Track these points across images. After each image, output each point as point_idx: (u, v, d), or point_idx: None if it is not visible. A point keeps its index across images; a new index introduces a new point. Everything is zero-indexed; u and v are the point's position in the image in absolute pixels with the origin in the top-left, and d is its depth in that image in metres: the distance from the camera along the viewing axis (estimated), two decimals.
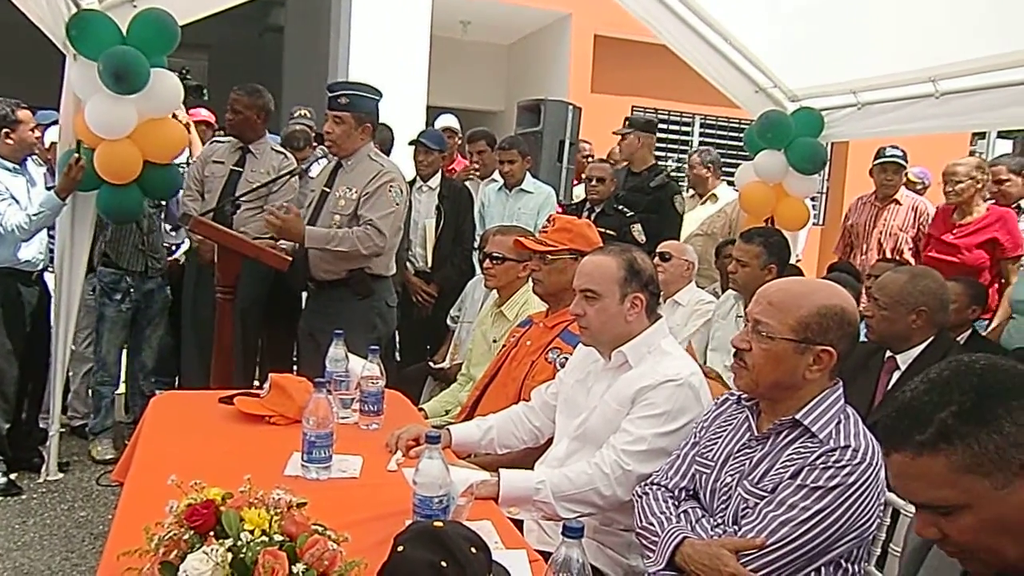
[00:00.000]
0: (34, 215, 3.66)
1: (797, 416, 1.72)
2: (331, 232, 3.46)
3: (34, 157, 4.14)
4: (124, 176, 3.68)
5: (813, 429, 1.69)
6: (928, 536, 1.07)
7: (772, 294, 1.78)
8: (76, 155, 3.58)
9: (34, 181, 3.88)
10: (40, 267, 3.94)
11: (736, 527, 1.72)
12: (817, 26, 4.07)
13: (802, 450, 1.69)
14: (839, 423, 1.69)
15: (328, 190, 3.59)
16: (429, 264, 4.68)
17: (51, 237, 3.98)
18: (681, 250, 4.09)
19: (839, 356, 1.71)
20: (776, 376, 1.73)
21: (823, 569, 1.66)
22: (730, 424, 1.90)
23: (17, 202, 3.73)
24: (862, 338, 2.34)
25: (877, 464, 1.64)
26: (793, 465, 1.68)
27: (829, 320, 1.71)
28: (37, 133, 3.81)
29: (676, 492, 1.92)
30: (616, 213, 4.70)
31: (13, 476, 3.83)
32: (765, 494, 1.69)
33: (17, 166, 3.81)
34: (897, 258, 4.59)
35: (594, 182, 4.80)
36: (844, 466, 1.62)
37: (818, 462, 1.64)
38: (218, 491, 1.29)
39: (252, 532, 1.21)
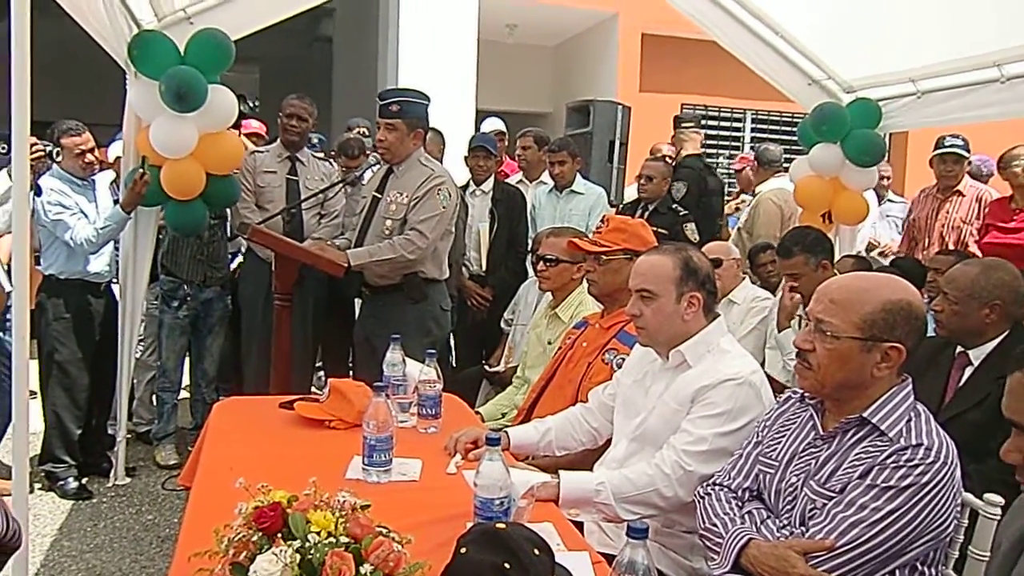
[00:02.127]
0: (101, 228, 3.77)
1: (865, 414, 1.67)
2: (372, 247, 3.50)
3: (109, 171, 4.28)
4: (190, 192, 3.79)
5: (882, 427, 1.64)
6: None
7: (834, 291, 1.73)
8: (140, 170, 3.68)
9: (93, 197, 3.98)
10: (107, 279, 4.05)
11: (803, 528, 1.68)
12: (872, 14, 3.96)
13: (871, 449, 1.64)
14: (909, 420, 1.64)
15: (379, 196, 3.62)
16: (483, 268, 4.69)
17: (117, 249, 4.10)
18: (727, 250, 4.05)
19: (908, 352, 1.66)
20: (843, 376, 1.68)
21: (897, 572, 1.61)
22: (793, 423, 1.86)
23: (86, 216, 3.85)
24: (930, 333, 2.28)
25: (952, 463, 1.59)
26: (862, 465, 1.63)
27: (896, 315, 1.66)
28: (90, 157, 3.89)
29: (739, 493, 1.88)
30: (669, 212, 4.66)
31: (84, 481, 3.96)
32: (833, 495, 1.65)
33: (84, 181, 3.93)
34: (960, 251, 4.44)
35: (643, 180, 4.77)
36: (917, 465, 1.57)
37: (889, 461, 1.59)
38: (284, 494, 1.31)
39: (319, 534, 1.22)
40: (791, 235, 3.73)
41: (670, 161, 5.26)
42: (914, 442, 1.59)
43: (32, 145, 3.45)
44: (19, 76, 2.35)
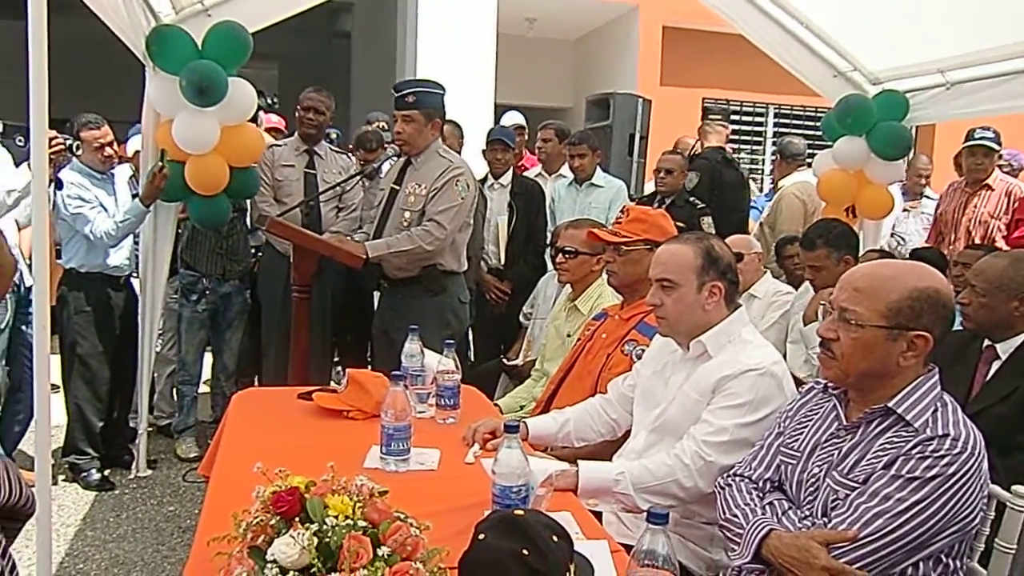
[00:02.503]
0: (120, 222, 3.79)
1: (890, 404, 1.64)
2: (390, 239, 3.49)
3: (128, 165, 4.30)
4: (215, 187, 3.80)
5: (908, 417, 1.61)
6: None
7: (858, 279, 1.69)
8: (160, 164, 3.69)
9: (112, 190, 4.00)
10: (127, 272, 4.08)
11: (826, 519, 1.65)
12: (899, 4, 3.90)
13: (896, 439, 1.61)
14: (936, 411, 1.61)
15: (397, 188, 3.62)
16: (502, 261, 4.68)
17: (137, 244, 4.13)
18: (748, 244, 4.00)
19: (935, 341, 1.63)
20: (867, 365, 1.65)
21: (921, 564, 1.58)
22: (816, 413, 1.83)
23: (105, 210, 3.87)
24: (957, 325, 2.23)
25: (979, 454, 1.56)
26: (887, 455, 1.60)
27: (923, 303, 1.62)
28: (108, 151, 3.91)
29: (760, 483, 1.86)
30: (687, 205, 4.62)
31: (107, 472, 3.99)
32: (856, 485, 1.62)
33: (103, 175, 3.95)
34: (987, 245, 4.37)
35: (662, 174, 4.75)
36: (943, 455, 1.53)
37: (914, 451, 1.56)
38: (302, 479, 1.30)
39: (336, 518, 1.22)
40: (816, 227, 3.69)
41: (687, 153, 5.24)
42: (940, 432, 1.56)
43: (52, 139, 3.48)
44: (37, 72, 2.36)
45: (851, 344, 1.66)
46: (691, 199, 4.68)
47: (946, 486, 1.52)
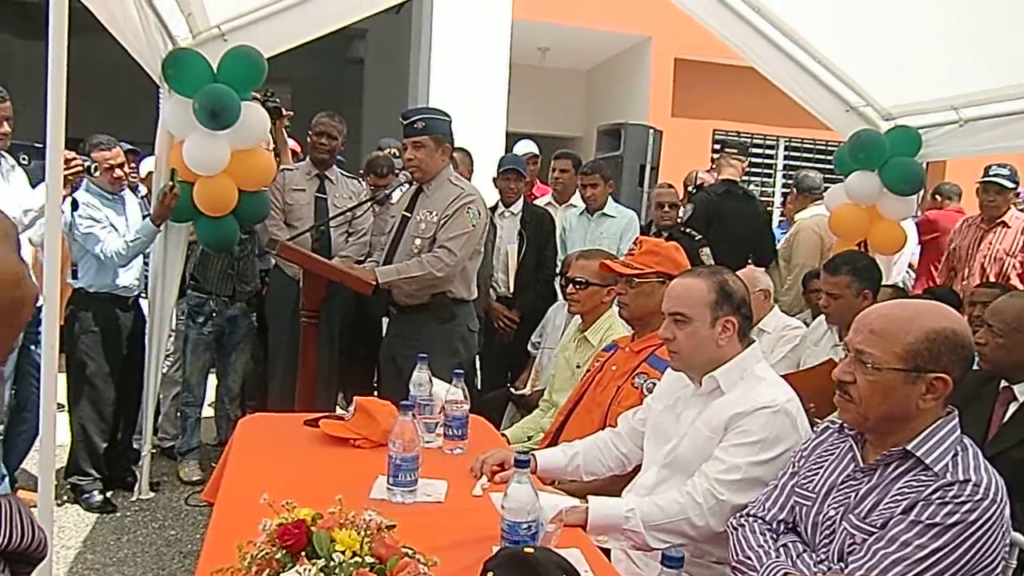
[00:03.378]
0: (131, 241, 3.80)
1: (908, 447, 1.60)
2: (401, 265, 3.49)
3: (137, 188, 4.32)
4: (222, 208, 3.81)
5: (927, 461, 1.58)
6: None
7: (873, 321, 1.67)
8: (170, 183, 3.71)
9: (123, 211, 4.01)
10: (136, 293, 4.07)
11: (842, 564, 1.61)
12: (913, 41, 3.91)
13: (915, 483, 1.57)
14: (956, 455, 1.57)
15: (409, 215, 3.62)
16: (511, 290, 4.66)
17: (146, 264, 4.13)
18: (753, 281, 3.95)
19: (954, 382, 1.60)
20: (886, 408, 1.62)
21: None
22: (832, 454, 1.80)
23: (116, 230, 3.88)
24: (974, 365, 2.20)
25: (1001, 501, 1.52)
26: (905, 499, 1.56)
27: (940, 344, 1.59)
28: (118, 172, 3.93)
29: (774, 524, 1.82)
30: (684, 236, 4.60)
31: (109, 494, 3.96)
32: (874, 530, 1.58)
33: (114, 195, 3.97)
34: (1002, 283, 4.34)
35: (667, 208, 4.83)
36: (964, 502, 1.50)
37: (934, 497, 1.52)
38: (309, 511, 1.28)
39: (343, 553, 1.19)
40: (845, 254, 3.66)
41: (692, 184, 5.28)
42: (961, 477, 1.53)
43: (71, 160, 3.50)
44: (55, 92, 2.37)
45: (868, 387, 1.63)
46: (686, 230, 4.68)
47: (967, 533, 1.49)
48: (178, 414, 4.58)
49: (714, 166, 5.44)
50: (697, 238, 4.58)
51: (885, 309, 1.72)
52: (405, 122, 3.56)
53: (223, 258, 4.24)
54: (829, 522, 1.69)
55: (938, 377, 1.59)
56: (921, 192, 5.04)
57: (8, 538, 0.63)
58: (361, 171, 5.00)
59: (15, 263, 0.73)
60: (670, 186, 5.09)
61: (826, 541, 1.69)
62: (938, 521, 1.50)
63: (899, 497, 1.58)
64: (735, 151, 5.26)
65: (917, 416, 1.61)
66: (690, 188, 5.62)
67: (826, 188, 5.15)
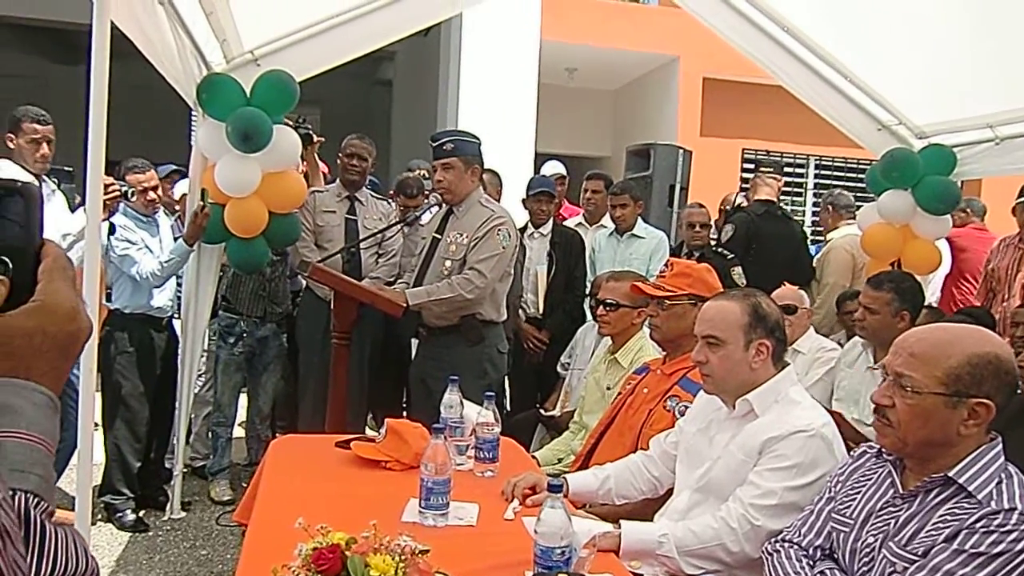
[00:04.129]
0: (165, 262, 3.86)
1: (951, 474, 1.57)
2: (431, 287, 3.49)
3: (176, 210, 4.40)
4: (252, 230, 3.85)
5: (970, 488, 1.54)
6: None
7: (913, 344, 1.64)
8: (201, 203, 3.77)
9: (157, 232, 4.07)
10: (169, 314, 4.13)
11: None
12: (945, 58, 3.87)
13: (958, 511, 1.54)
14: (1000, 482, 1.54)
15: (439, 236, 3.63)
16: (541, 311, 4.66)
17: (179, 285, 4.19)
18: (800, 298, 3.92)
19: (997, 408, 1.57)
20: (926, 433, 1.59)
21: None
22: (870, 479, 1.76)
23: (150, 251, 3.95)
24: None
25: None
26: (948, 527, 1.53)
27: (983, 369, 1.56)
28: (152, 195, 3.99)
29: (810, 551, 1.79)
30: (716, 256, 4.57)
31: (141, 513, 3.99)
32: (916, 558, 1.55)
33: (149, 217, 4.04)
34: None
35: (698, 228, 4.82)
36: (1010, 531, 1.46)
37: (978, 525, 1.49)
38: (343, 535, 1.28)
39: None
40: (892, 272, 3.62)
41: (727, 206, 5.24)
42: (1007, 506, 1.49)
43: (109, 185, 3.57)
44: (96, 118, 2.42)
45: (908, 411, 1.60)
46: (719, 251, 4.64)
47: (1013, 564, 1.45)
48: (209, 434, 4.62)
49: (749, 186, 5.39)
50: (729, 257, 4.55)
51: (926, 332, 1.69)
52: (434, 144, 3.58)
53: (255, 279, 4.28)
54: (868, 549, 1.66)
55: (980, 403, 1.56)
56: None
57: (64, 567, 0.64)
58: (391, 192, 5.04)
59: (73, 298, 0.76)
60: (701, 206, 5.06)
61: (865, 569, 1.66)
62: (983, 551, 1.46)
63: (941, 525, 1.54)
64: (771, 170, 5.21)
65: (959, 442, 1.58)
66: (727, 208, 5.55)
67: (859, 207, 5.10)
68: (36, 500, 0.65)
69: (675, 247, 5.04)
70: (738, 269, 4.47)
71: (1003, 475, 1.55)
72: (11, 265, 0.73)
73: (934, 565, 1.50)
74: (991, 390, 1.56)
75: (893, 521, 1.64)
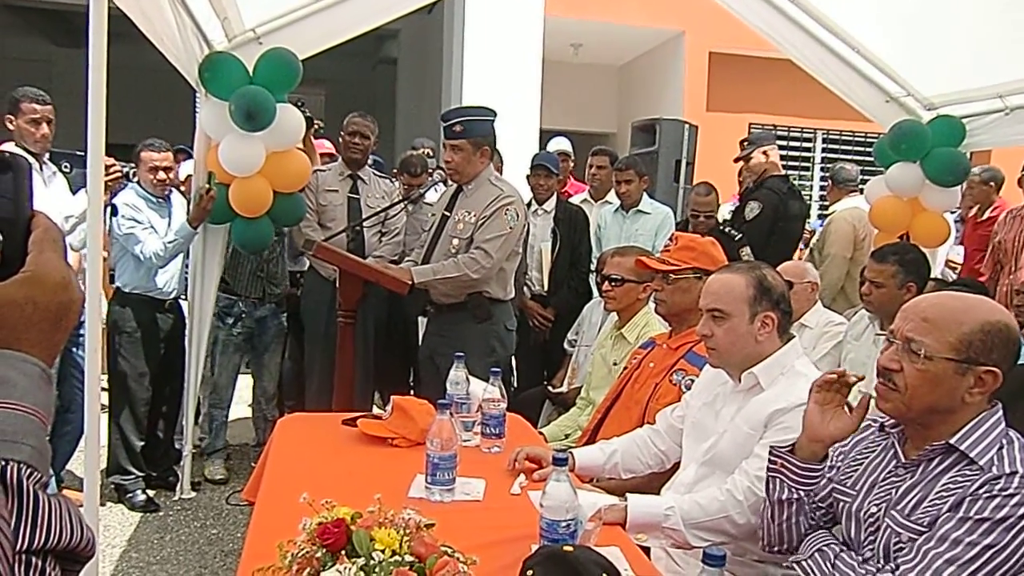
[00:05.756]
0: (169, 242, 3.86)
1: (952, 441, 1.56)
2: (437, 265, 3.49)
3: (181, 191, 4.39)
4: (257, 209, 3.85)
5: (972, 455, 1.54)
6: None
7: (926, 309, 1.63)
8: (207, 186, 3.76)
9: (168, 213, 4.07)
10: (173, 295, 4.13)
11: (891, 565, 1.57)
12: (955, 28, 3.82)
13: (960, 479, 1.53)
14: (1002, 448, 1.53)
15: (448, 214, 3.62)
16: (545, 288, 4.65)
17: (187, 266, 4.19)
18: (802, 273, 3.89)
19: (1003, 377, 1.56)
20: (932, 400, 1.58)
21: None
22: (872, 451, 1.76)
23: (156, 232, 3.94)
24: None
25: None
26: (952, 495, 1.52)
27: (994, 337, 1.55)
28: (161, 175, 3.98)
29: (816, 515, 1.80)
30: (723, 236, 4.52)
31: (152, 494, 4.03)
32: (921, 528, 1.54)
33: (161, 199, 4.03)
34: None
35: (702, 218, 4.69)
36: (1012, 494, 1.45)
37: (981, 491, 1.48)
38: (348, 510, 1.28)
39: (383, 552, 1.19)
40: (895, 244, 3.59)
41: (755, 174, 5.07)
42: (1007, 470, 1.48)
43: (110, 166, 3.56)
44: (95, 99, 2.41)
45: (917, 376, 1.59)
46: (726, 230, 4.58)
47: (1018, 527, 1.44)
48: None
49: (749, 165, 5.28)
50: (737, 237, 4.50)
51: (937, 299, 1.68)
52: (444, 123, 3.56)
53: (253, 260, 4.27)
54: (872, 518, 1.66)
55: (989, 370, 1.55)
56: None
57: (58, 537, 0.64)
58: (395, 171, 5.02)
59: (64, 268, 0.76)
60: (709, 191, 4.83)
61: (871, 538, 1.65)
62: (987, 516, 1.46)
63: (944, 493, 1.54)
64: (768, 142, 5.14)
65: (960, 409, 1.57)
66: (750, 184, 5.36)
67: (863, 180, 5.04)
68: (29, 471, 0.65)
69: (681, 223, 4.98)
70: (746, 249, 4.43)
71: (1004, 440, 1.55)
72: (1, 237, 0.73)
73: (941, 535, 1.49)
74: (999, 358, 1.55)
75: (894, 490, 1.64)
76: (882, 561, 1.60)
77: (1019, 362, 1.66)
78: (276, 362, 4.54)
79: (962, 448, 1.55)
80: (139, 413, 4.01)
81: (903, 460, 1.66)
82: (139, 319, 3.98)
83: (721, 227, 4.63)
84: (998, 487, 1.47)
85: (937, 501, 1.54)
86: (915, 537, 1.54)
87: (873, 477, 1.70)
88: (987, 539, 1.45)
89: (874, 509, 1.66)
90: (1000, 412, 1.60)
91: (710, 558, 1.23)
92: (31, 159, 3.58)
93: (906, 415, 1.65)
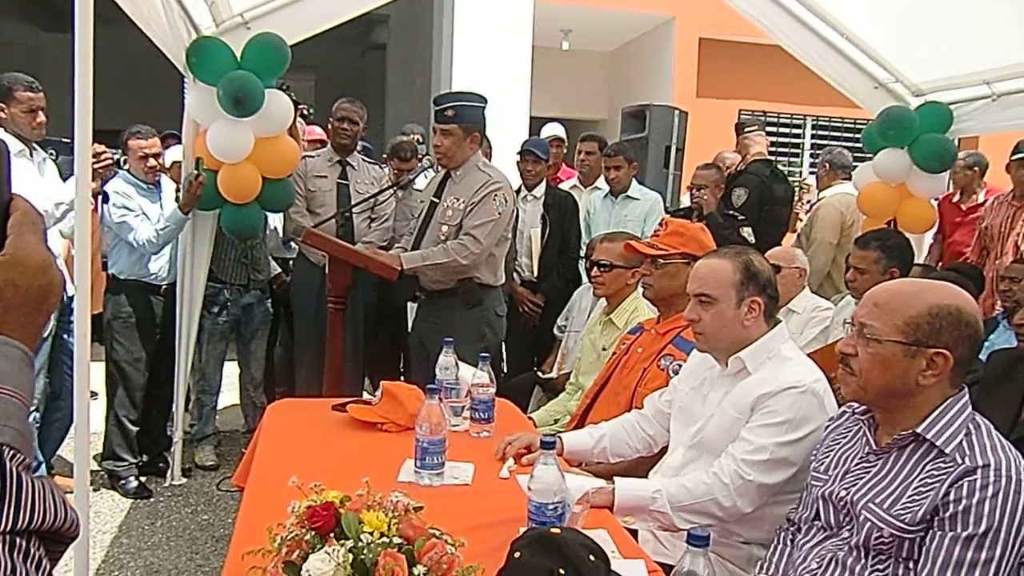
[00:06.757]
0: (161, 229, 3.85)
1: (919, 430, 1.59)
2: (426, 251, 3.49)
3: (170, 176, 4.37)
4: (246, 195, 3.84)
5: (938, 443, 1.55)
6: None
7: (878, 295, 1.67)
8: (196, 171, 3.75)
9: (158, 199, 4.06)
10: (167, 280, 4.13)
11: (881, 558, 1.59)
12: (943, 14, 3.83)
13: (936, 472, 1.55)
14: (969, 434, 1.55)
15: (437, 200, 3.62)
16: (535, 274, 4.66)
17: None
18: (790, 258, 3.91)
19: (956, 360, 1.57)
20: (885, 382, 1.61)
21: None
22: (845, 437, 1.79)
23: (148, 218, 3.94)
24: (1010, 343, 2.17)
25: (1020, 480, 1.49)
26: (930, 491, 1.53)
27: (942, 320, 1.58)
28: (152, 162, 3.97)
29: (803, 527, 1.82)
30: (728, 218, 4.55)
31: (143, 480, 4.03)
32: (905, 526, 1.55)
33: (151, 185, 4.02)
34: None
35: (695, 190, 4.64)
36: (992, 493, 1.47)
37: (961, 496, 1.49)
38: (337, 493, 1.29)
39: (371, 534, 1.20)
40: (877, 231, 3.62)
41: (726, 168, 5.11)
42: (980, 462, 1.49)
43: (101, 154, 3.55)
44: (82, 85, 2.39)
45: (868, 359, 1.62)
46: (731, 212, 4.59)
47: (1004, 528, 1.46)
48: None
49: (738, 149, 5.32)
50: (740, 218, 4.50)
51: (893, 285, 1.73)
52: (436, 107, 3.55)
53: (237, 247, 4.26)
54: (842, 502, 1.68)
55: (939, 352, 1.57)
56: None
57: (42, 517, 0.64)
58: (385, 156, 5.00)
59: (44, 251, 0.76)
60: (707, 166, 4.70)
61: (848, 524, 1.67)
62: (970, 532, 1.46)
63: (923, 489, 1.54)
64: (755, 128, 5.16)
65: (919, 393, 1.60)
66: (730, 171, 5.38)
67: (855, 167, 5.07)
68: (12, 452, 0.65)
69: (685, 210, 4.96)
70: (748, 228, 4.43)
71: (970, 426, 1.57)
72: None
73: (942, 561, 1.48)
74: (950, 341, 1.57)
75: (866, 475, 1.66)
76: (865, 554, 1.61)
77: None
78: (262, 349, 4.55)
79: (928, 437, 1.57)
80: (135, 398, 4.02)
81: (874, 447, 1.68)
82: (134, 305, 3.98)
83: (725, 211, 4.61)
84: (975, 481, 1.48)
85: (916, 497, 1.55)
86: (898, 534, 1.55)
87: (847, 465, 1.73)
88: (981, 554, 1.46)
89: (843, 492, 1.68)
90: (966, 398, 1.62)
91: (694, 539, 1.25)
92: (22, 145, 3.56)
93: (864, 398, 1.68)
